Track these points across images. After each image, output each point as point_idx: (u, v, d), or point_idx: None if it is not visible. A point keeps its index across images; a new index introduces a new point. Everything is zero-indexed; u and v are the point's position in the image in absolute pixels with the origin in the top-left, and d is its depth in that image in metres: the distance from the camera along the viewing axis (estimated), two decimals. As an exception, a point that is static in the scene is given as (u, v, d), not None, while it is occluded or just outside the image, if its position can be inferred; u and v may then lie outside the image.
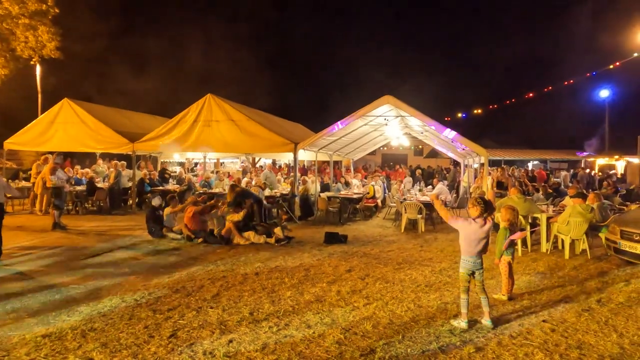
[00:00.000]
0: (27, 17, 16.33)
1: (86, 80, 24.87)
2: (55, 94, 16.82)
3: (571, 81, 23.27)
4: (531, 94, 24.54)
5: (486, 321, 4.35)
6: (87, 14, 22.80)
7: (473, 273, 4.41)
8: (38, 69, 20.16)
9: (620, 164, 24.28)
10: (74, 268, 6.42)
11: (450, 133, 10.60)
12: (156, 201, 9.21)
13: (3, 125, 17.02)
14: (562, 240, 7.71)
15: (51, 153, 11.51)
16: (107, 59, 28.56)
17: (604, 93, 28.98)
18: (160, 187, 13.50)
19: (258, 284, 5.68)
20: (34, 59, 17.81)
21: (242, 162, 21.94)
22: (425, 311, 4.77)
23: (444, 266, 6.71)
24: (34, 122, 13.50)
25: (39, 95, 20.38)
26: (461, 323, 4.31)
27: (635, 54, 17.91)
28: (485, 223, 4.40)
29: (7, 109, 20.52)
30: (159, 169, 18.21)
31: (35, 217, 11.36)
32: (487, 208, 4.42)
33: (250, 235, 8.34)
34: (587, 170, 22.00)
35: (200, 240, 8.34)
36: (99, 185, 12.82)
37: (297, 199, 11.58)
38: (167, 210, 9.02)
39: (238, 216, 8.76)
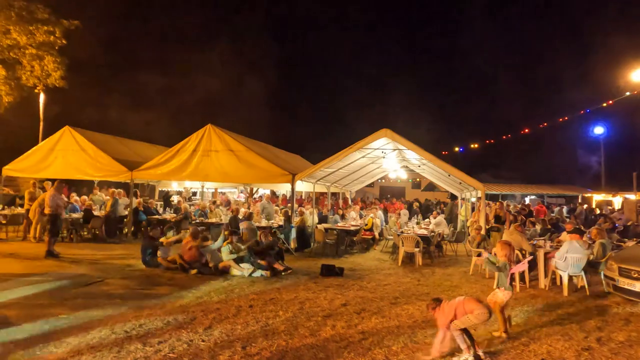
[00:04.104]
0: (35, 47, 16.72)
1: (89, 109, 25.24)
2: (58, 121, 17.01)
3: (565, 118, 23.70)
4: (527, 130, 24.95)
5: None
6: (92, 46, 23.43)
7: None
8: (42, 97, 20.47)
9: (617, 200, 24.38)
10: (64, 297, 6.30)
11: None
12: (156, 232, 9.16)
13: (4, 152, 17.13)
14: (561, 277, 7.64)
15: (51, 180, 11.50)
16: (111, 88, 29.12)
17: (599, 130, 29.48)
18: (157, 216, 13.44)
19: (252, 317, 5.57)
20: (38, 87, 18.11)
21: (241, 192, 21.96)
22: (424, 347, 4.67)
23: (441, 301, 6.60)
24: (33, 149, 13.58)
25: (41, 123, 20.58)
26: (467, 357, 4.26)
27: (628, 93, 18.34)
28: None
29: (9, 135, 20.70)
30: (156, 197, 18.23)
31: (29, 244, 11.23)
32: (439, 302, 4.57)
33: (246, 266, 8.25)
34: (585, 206, 22.05)
35: (194, 271, 8.23)
36: (95, 213, 12.76)
37: (293, 230, 11.52)
38: (163, 239, 8.95)
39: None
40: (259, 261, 8.35)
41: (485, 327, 5.30)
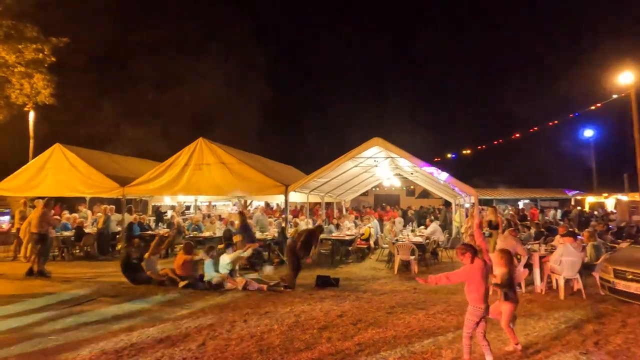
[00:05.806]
0: (24, 65, 16.63)
1: (79, 126, 25.07)
2: (48, 139, 16.84)
3: (555, 122, 23.87)
4: (517, 135, 25.07)
5: None
6: (81, 62, 23.36)
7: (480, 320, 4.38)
8: (31, 115, 20.33)
9: (609, 202, 24.57)
10: (54, 318, 6.16)
11: (441, 175, 10.70)
12: (130, 250, 9.01)
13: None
14: (557, 280, 7.62)
15: (42, 198, 11.35)
16: (101, 104, 28.99)
17: (589, 133, 29.81)
18: (150, 232, 13.29)
19: (246, 332, 5.48)
20: (28, 106, 17.97)
21: (234, 204, 21.84)
22: (421, 358, 4.61)
23: (438, 309, 6.56)
24: (23, 167, 13.41)
25: (31, 141, 20.40)
26: None
27: (615, 96, 18.55)
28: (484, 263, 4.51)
29: (-1, 154, 20.49)
30: (149, 212, 18.07)
31: (19, 264, 11.02)
32: (475, 250, 4.62)
33: (240, 280, 8.15)
34: (578, 208, 22.20)
35: (183, 282, 8.11)
36: (87, 230, 12.59)
37: (288, 242, 11.42)
38: (147, 254, 8.83)
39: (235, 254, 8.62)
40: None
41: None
